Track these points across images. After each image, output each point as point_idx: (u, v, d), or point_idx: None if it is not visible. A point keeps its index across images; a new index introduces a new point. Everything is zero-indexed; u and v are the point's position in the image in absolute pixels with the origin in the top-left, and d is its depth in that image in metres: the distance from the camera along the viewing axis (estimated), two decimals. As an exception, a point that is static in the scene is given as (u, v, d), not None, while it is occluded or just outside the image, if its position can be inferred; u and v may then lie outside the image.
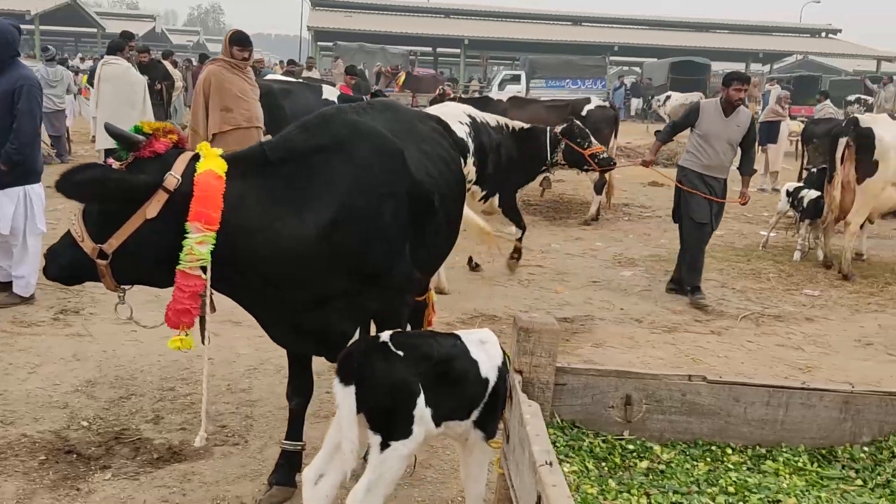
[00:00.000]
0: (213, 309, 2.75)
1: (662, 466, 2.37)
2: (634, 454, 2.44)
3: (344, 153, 2.82)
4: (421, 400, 2.42)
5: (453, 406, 2.53)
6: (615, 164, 7.96)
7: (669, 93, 26.21)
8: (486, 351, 2.61)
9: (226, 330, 5.03)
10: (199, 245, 2.59)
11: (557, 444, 2.37)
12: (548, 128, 7.48)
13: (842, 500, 2.27)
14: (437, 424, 2.49)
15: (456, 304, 6.35)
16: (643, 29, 46.49)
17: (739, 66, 45.19)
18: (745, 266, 8.18)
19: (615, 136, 10.97)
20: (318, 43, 44.09)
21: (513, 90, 32.35)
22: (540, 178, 8.00)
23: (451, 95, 15.24)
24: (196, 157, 2.70)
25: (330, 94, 10.40)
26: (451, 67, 47.44)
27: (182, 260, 2.60)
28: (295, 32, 48.62)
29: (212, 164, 2.64)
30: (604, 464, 2.38)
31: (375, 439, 2.38)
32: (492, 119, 7.29)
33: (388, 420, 2.38)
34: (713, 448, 2.52)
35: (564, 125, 7.51)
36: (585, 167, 7.59)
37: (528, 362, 2.40)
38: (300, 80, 12.61)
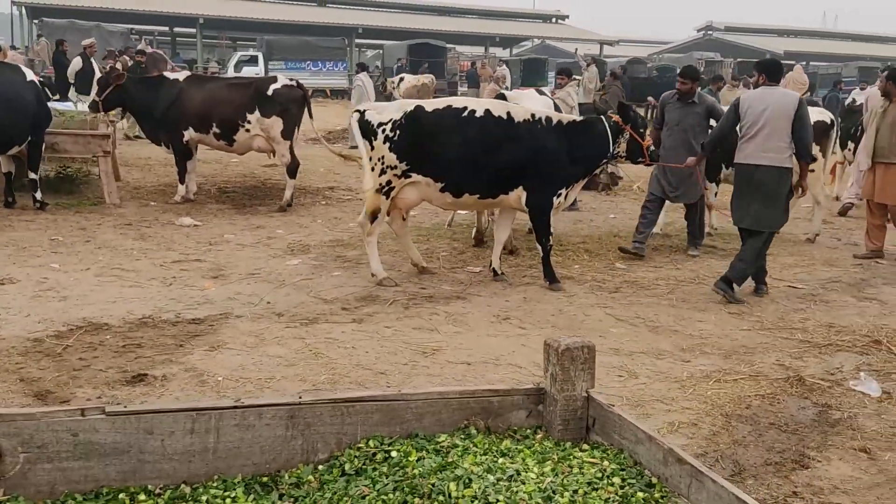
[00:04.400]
0: None
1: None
2: (-2, 522, 1.86)
3: None
4: None
5: None
6: (658, 159, 7.21)
7: (403, 75, 26.30)
8: None
9: None
10: None
11: None
12: (602, 117, 6.62)
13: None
14: None
15: (65, 313, 5.47)
16: (387, 11, 46.75)
17: (479, 50, 47.26)
18: (422, 246, 8.02)
19: (311, 117, 10.47)
20: (35, 20, 39.33)
21: (251, 72, 31.02)
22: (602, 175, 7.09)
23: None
24: None
25: (33, 74, 9.16)
26: (195, 49, 44.50)
27: None
28: (9, 9, 43.08)
29: None
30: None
31: None
32: (522, 113, 6.40)
33: None
34: (121, 496, 2.01)
35: (624, 112, 6.66)
36: (639, 160, 6.75)
37: None
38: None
